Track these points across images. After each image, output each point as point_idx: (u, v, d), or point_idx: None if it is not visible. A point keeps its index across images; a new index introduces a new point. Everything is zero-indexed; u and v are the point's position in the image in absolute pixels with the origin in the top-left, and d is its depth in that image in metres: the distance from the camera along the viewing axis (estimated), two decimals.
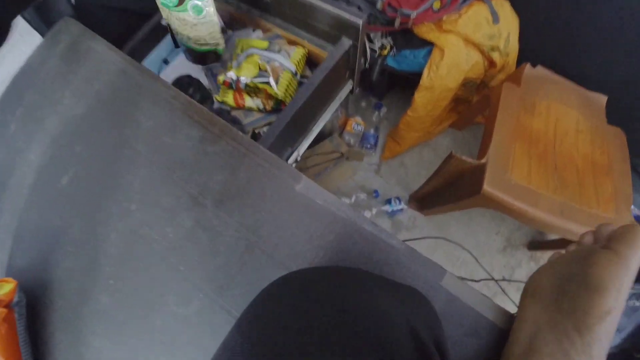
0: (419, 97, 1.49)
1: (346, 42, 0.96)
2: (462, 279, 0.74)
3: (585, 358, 0.40)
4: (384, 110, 1.95)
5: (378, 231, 0.56)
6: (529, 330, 0.46)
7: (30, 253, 0.71)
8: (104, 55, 0.80)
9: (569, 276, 0.45)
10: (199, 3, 0.97)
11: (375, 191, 1.81)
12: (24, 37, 0.98)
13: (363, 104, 1.99)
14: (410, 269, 0.54)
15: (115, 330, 0.63)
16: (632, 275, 0.42)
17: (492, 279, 1.65)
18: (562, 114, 1.35)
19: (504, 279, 1.66)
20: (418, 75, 1.48)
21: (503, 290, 1.63)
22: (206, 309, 0.59)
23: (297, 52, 1.11)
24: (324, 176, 1.69)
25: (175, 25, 1.05)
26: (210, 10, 1.00)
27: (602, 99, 1.46)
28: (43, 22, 1.00)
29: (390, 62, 1.54)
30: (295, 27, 1.10)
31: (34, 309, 0.68)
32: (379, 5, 1.36)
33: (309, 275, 0.40)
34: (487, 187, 1.12)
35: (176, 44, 1.18)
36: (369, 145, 1.86)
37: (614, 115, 1.43)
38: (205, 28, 1.05)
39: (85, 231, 0.68)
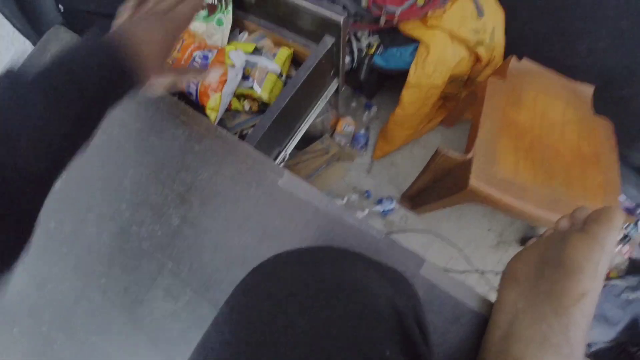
0: (407, 94, 1.53)
1: (328, 40, 0.99)
2: (447, 270, 0.76)
3: (563, 340, 0.42)
4: (374, 109, 1.99)
5: (359, 223, 0.60)
6: (508, 314, 0.49)
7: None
8: None
9: (545, 260, 0.48)
10: (222, 16, 1.03)
11: (367, 191, 1.85)
12: (15, 45, 1.02)
13: (353, 104, 2.03)
14: (390, 258, 0.58)
15: (107, 327, 0.67)
16: (608, 256, 0.43)
17: (476, 271, 1.68)
18: (549, 105, 1.39)
19: (495, 273, 1.70)
20: (406, 73, 1.52)
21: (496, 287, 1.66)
22: (194, 304, 0.63)
23: (282, 53, 1.14)
24: (315, 177, 1.72)
25: None
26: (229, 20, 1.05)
27: (589, 89, 1.49)
28: (33, 30, 1.03)
29: (378, 60, 1.57)
30: (280, 26, 1.13)
31: (30, 309, 0.71)
32: (363, 3, 1.40)
33: (298, 252, 0.43)
34: (473, 181, 1.15)
35: None
36: (360, 146, 1.90)
37: (601, 105, 1.46)
38: (218, 37, 1.10)
39: (78, 232, 0.72)
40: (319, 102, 1.24)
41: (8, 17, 1.02)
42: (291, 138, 1.16)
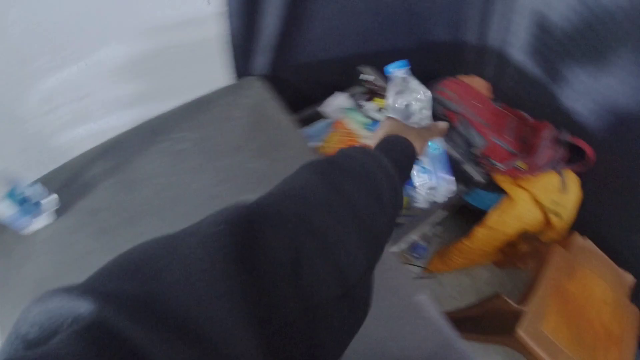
0: (480, 232, 1.82)
1: (461, 188, 1.29)
2: None
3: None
4: (439, 228, 2.25)
5: (466, 349, 0.84)
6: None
7: None
8: (288, 131, 1.14)
9: None
10: None
11: None
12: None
13: None
14: None
15: None
16: None
17: None
18: (595, 283, 1.66)
19: None
20: (482, 212, 1.83)
21: None
22: None
23: None
24: None
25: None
26: None
27: (631, 278, 1.77)
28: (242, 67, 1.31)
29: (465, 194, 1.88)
30: None
31: None
32: (476, 150, 1.72)
33: None
34: (520, 332, 1.39)
35: None
36: (417, 255, 2.14)
37: (636, 295, 1.74)
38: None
39: None
40: (428, 222, 1.53)
41: (235, 48, 1.26)
42: (400, 242, 1.43)
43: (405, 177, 0.68)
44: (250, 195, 0.44)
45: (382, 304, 0.86)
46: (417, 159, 0.74)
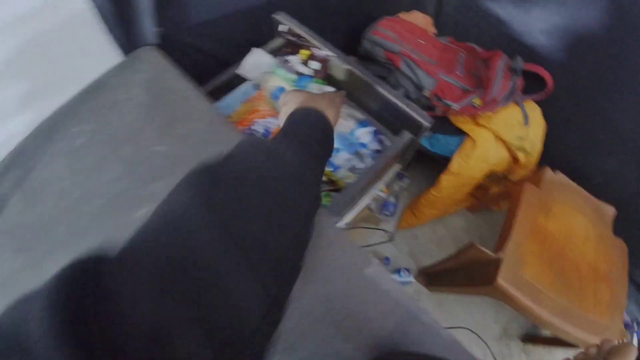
0: (445, 180, 1.69)
1: (407, 136, 1.15)
2: None
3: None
4: (406, 181, 2.13)
5: (433, 322, 0.74)
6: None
7: None
8: (191, 102, 1.00)
9: None
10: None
11: (387, 258, 1.98)
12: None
13: None
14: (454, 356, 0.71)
15: None
16: None
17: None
18: (574, 220, 1.56)
19: None
20: (445, 158, 1.70)
21: None
22: None
23: None
24: None
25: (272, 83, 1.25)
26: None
27: (611, 210, 1.68)
28: (128, 42, 1.15)
29: (423, 141, 1.74)
30: (362, 109, 1.27)
31: None
32: (426, 92, 1.57)
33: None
34: (500, 280, 1.30)
35: None
36: (387, 213, 2.03)
37: (619, 226, 1.65)
38: None
39: None
40: (380, 182, 1.39)
41: (107, 21, 1.12)
42: (350, 210, 1.28)
43: (325, 152, 0.64)
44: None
45: (334, 285, 0.78)
46: (332, 128, 0.69)
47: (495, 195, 1.88)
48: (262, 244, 0.40)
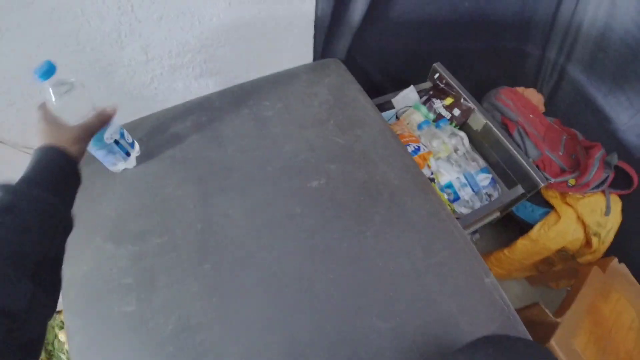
0: (522, 244, 1.86)
1: (519, 190, 1.34)
2: None
3: None
4: (476, 236, 2.29)
5: (525, 332, 0.94)
6: None
7: None
8: (368, 112, 1.21)
9: None
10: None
11: None
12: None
13: None
14: None
15: None
16: None
17: None
18: (625, 309, 1.69)
19: None
20: (526, 224, 1.88)
21: None
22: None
23: None
24: None
25: None
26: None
27: None
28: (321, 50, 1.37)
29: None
30: (487, 161, 1.46)
31: None
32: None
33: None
34: (553, 342, 1.44)
35: None
36: None
37: None
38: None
39: None
40: (477, 224, 1.58)
41: (317, 28, 1.29)
42: None
43: (67, 195, 0.69)
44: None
45: (455, 281, 0.97)
46: (77, 163, 0.75)
47: (558, 272, 2.01)
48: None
